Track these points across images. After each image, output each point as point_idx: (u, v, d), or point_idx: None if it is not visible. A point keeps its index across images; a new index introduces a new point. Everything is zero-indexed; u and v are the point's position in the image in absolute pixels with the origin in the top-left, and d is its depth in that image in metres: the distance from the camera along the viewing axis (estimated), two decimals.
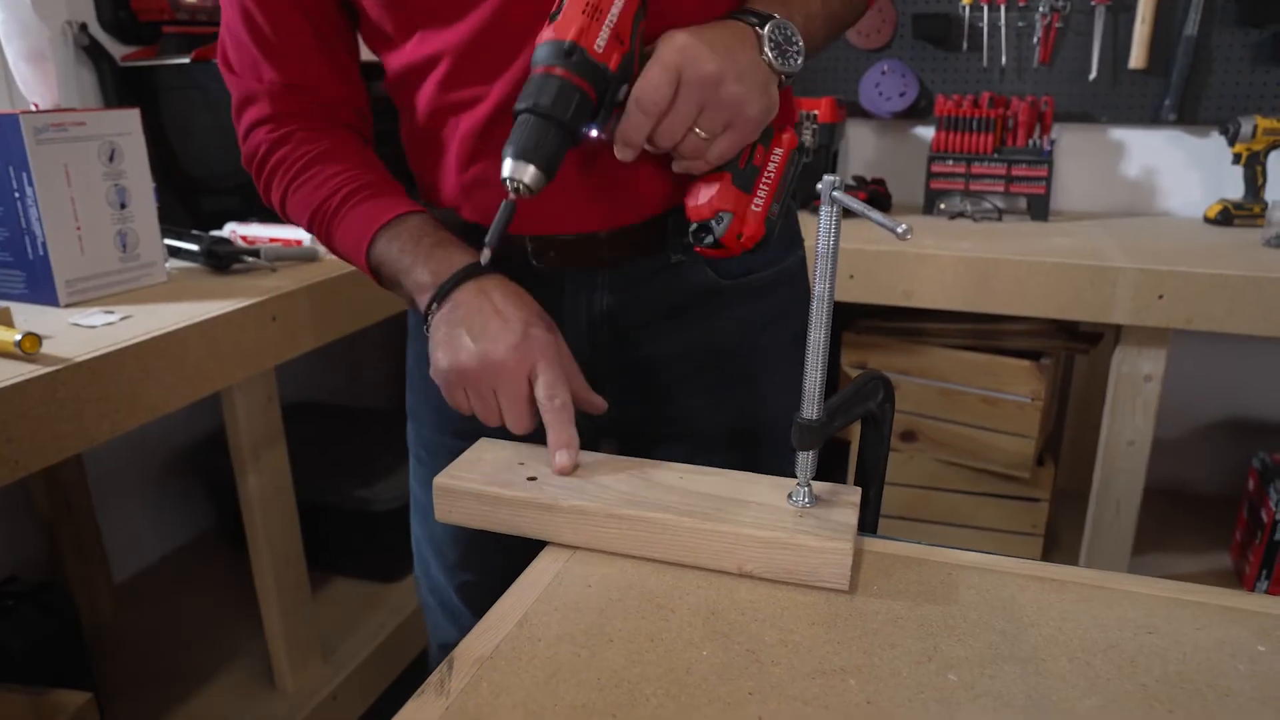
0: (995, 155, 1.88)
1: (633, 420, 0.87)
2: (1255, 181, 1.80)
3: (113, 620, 1.65)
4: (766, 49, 0.66)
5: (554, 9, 0.63)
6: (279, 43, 0.78)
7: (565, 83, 0.61)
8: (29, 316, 1.14)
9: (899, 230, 0.50)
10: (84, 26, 1.57)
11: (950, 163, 1.91)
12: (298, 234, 1.49)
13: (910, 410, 1.79)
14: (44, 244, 1.18)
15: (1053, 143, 1.86)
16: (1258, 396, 2.01)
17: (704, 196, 0.68)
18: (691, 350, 0.85)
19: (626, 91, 0.63)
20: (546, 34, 0.62)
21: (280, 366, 1.32)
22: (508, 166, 0.62)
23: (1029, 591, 0.59)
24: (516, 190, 0.63)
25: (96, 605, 1.64)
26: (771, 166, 0.71)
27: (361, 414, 2.11)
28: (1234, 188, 1.85)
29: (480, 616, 0.56)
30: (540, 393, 0.67)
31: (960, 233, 1.76)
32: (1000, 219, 1.88)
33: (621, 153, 0.66)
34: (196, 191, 1.65)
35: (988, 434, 1.73)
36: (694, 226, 0.70)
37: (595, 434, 0.87)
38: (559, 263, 0.80)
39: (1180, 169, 1.94)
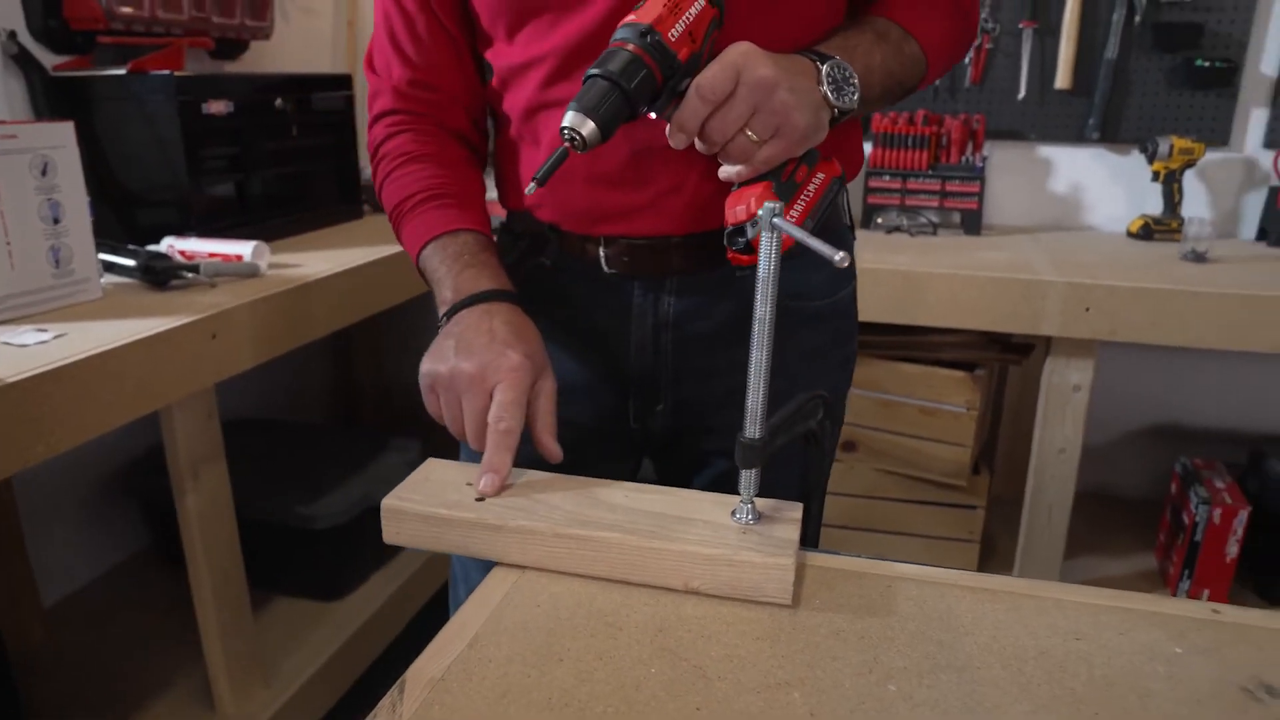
0: (930, 171, 1.93)
1: (682, 429, 0.91)
2: (1172, 198, 1.89)
3: (43, 645, 1.60)
4: (824, 83, 0.71)
5: (639, 1, 0.68)
6: (409, 43, 0.85)
7: (636, 58, 0.65)
8: None
9: (836, 259, 0.52)
10: (12, 34, 1.53)
11: (887, 178, 1.96)
12: (237, 249, 1.47)
13: (850, 421, 1.83)
14: None
15: (984, 159, 1.92)
16: (1180, 404, 2.09)
17: (744, 200, 0.71)
18: (746, 364, 0.88)
19: (688, 84, 0.67)
20: (630, 17, 0.67)
21: (221, 382, 1.30)
22: (569, 118, 0.65)
23: (965, 602, 0.62)
24: (572, 141, 0.66)
25: (24, 630, 1.58)
26: (812, 187, 0.74)
27: (303, 430, 2.09)
28: (1154, 203, 1.94)
29: None
30: (491, 412, 0.69)
31: (897, 246, 1.81)
32: (935, 233, 1.93)
33: (675, 138, 0.69)
34: (132, 205, 1.61)
35: (925, 444, 1.78)
36: (730, 229, 0.72)
37: (641, 442, 0.93)
38: (630, 268, 0.84)
39: (1104, 185, 2.02)
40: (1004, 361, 1.80)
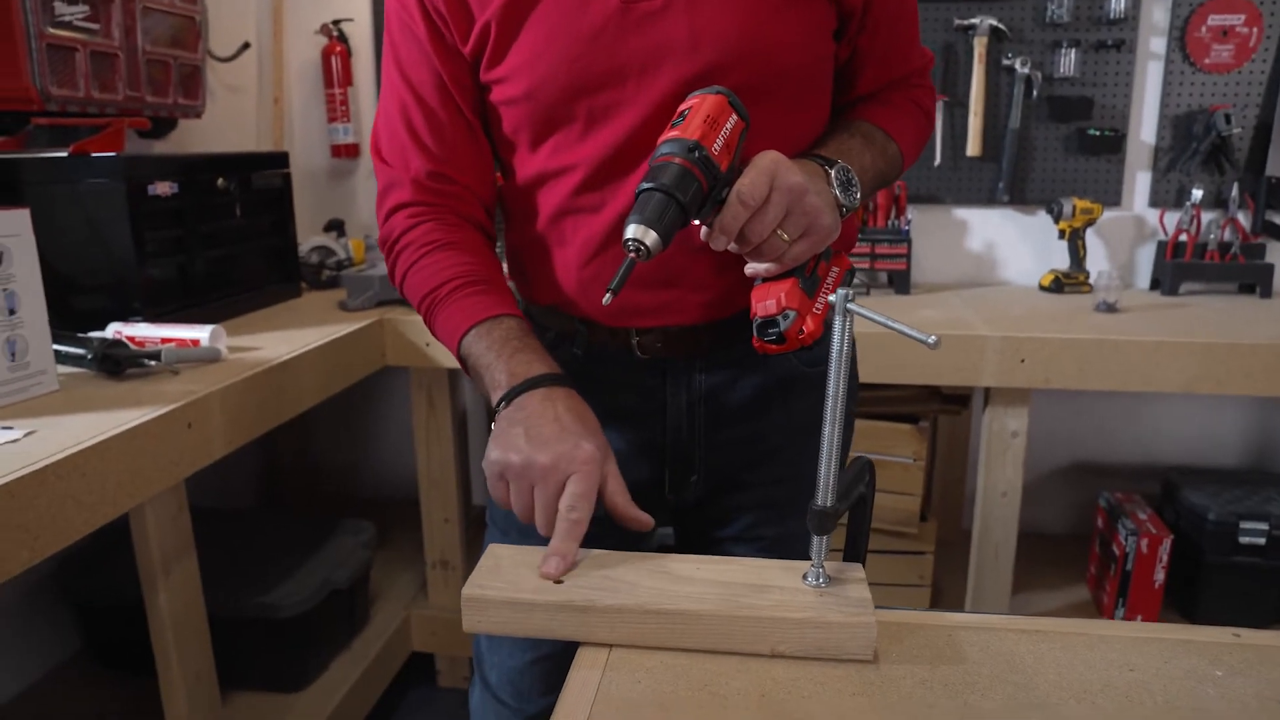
0: (860, 235, 2.05)
1: (708, 499, 0.96)
2: (1078, 254, 2.06)
3: None
4: (834, 185, 0.78)
5: (676, 117, 0.72)
6: (429, 137, 0.87)
7: (688, 171, 0.70)
8: None
9: (929, 341, 0.57)
10: None
11: None
12: (192, 333, 1.44)
13: None
14: None
15: (909, 222, 2.05)
16: (1099, 442, 2.25)
17: (774, 295, 0.77)
18: (773, 429, 0.94)
19: (727, 192, 0.72)
20: (671, 134, 0.72)
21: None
22: (633, 230, 0.69)
23: (1023, 644, 0.66)
24: (637, 251, 0.70)
25: None
26: (830, 279, 0.81)
27: (254, 517, 2.01)
28: (1060, 259, 2.10)
29: (552, 694, 0.58)
30: (563, 501, 0.71)
31: None
32: (868, 293, 2.04)
33: (716, 241, 0.74)
34: (69, 291, 1.55)
35: (876, 495, 1.85)
36: (759, 321, 0.77)
37: (673, 509, 0.98)
38: (663, 353, 0.89)
39: (1015, 243, 2.18)
40: (943, 413, 1.90)
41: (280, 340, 1.55)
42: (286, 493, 2.45)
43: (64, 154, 1.51)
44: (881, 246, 2.04)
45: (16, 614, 1.68)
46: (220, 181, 1.72)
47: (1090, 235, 2.08)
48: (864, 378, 1.71)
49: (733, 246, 0.75)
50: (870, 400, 1.87)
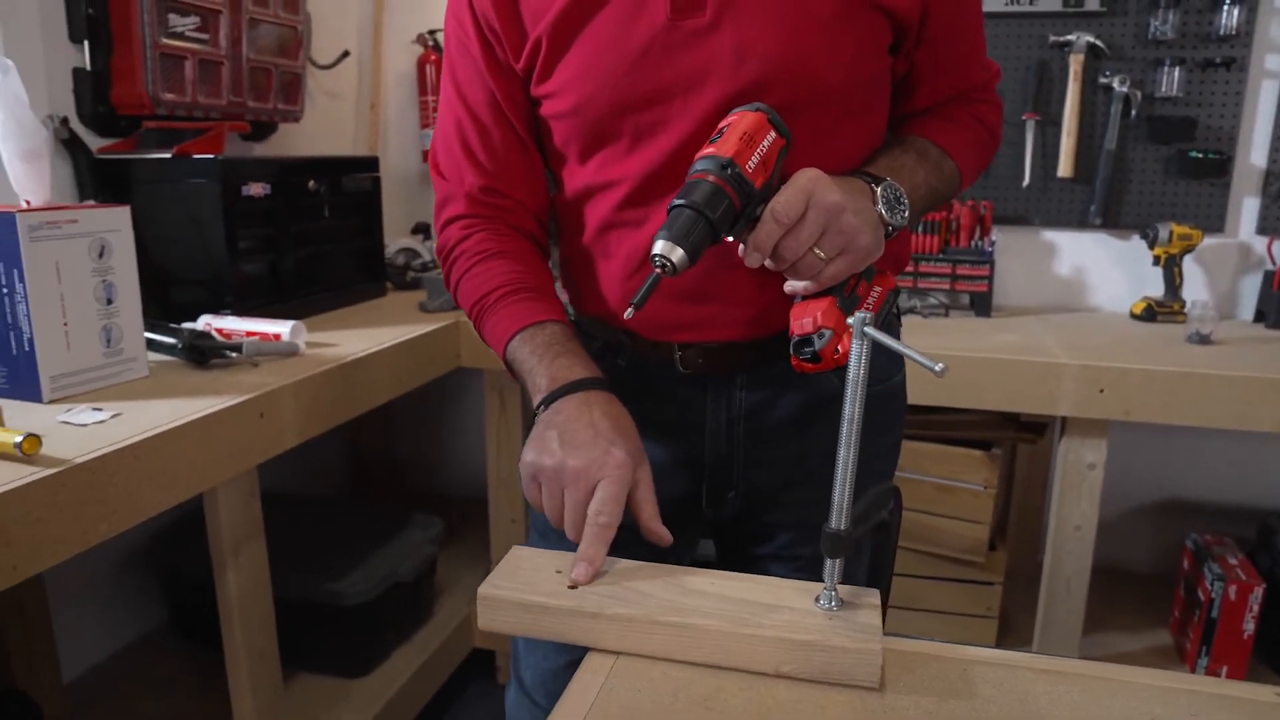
0: (941, 255, 2.00)
1: (747, 515, 0.96)
2: (1174, 281, 1.96)
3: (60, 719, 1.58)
4: (880, 204, 0.77)
5: (715, 134, 0.73)
6: (483, 153, 0.90)
7: (719, 189, 0.70)
8: (13, 413, 1.13)
9: (936, 369, 0.56)
10: (64, 120, 1.59)
11: None
12: (275, 328, 1.51)
13: None
14: (31, 340, 1.18)
15: (993, 244, 1.99)
16: (1189, 480, 2.14)
17: (810, 314, 0.77)
18: (813, 449, 0.93)
19: (762, 209, 0.72)
20: (707, 150, 0.72)
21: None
22: (660, 246, 0.70)
23: (1039, 684, 0.64)
24: (663, 268, 0.70)
25: (44, 704, 1.56)
26: (871, 299, 0.80)
27: (322, 506, 2.09)
28: (1155, 286, 2.01)
29: None
30: (591, 506, 0.72)
31: (911, 327, 1.86)
32: (947, 315, 1.99)
33: (750, 258, 0.74)
34: (168, 283, 1.65)
35: (943, 520, 1.81)
36: (796, 339, 0.77)
37: (711, 523, 0.98)
38: (704, 368, 0.90)
39: (1107, 268, 2.09)
40: (1019, 440, 1.84)
41: (359, 338, 1.61)
42: (368, 485, 2.54)
43: (168, 155, 1.61)
44: (963, 267, 1.99)
45: (111, 582, 1.80)
46: (311, 184, 1.80)
47: (1188, 263, 1.98)
48: (936, 401, 1.68)
49: (769, 264, 0.75)
50: (942, 424, 1.82)
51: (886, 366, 0.95)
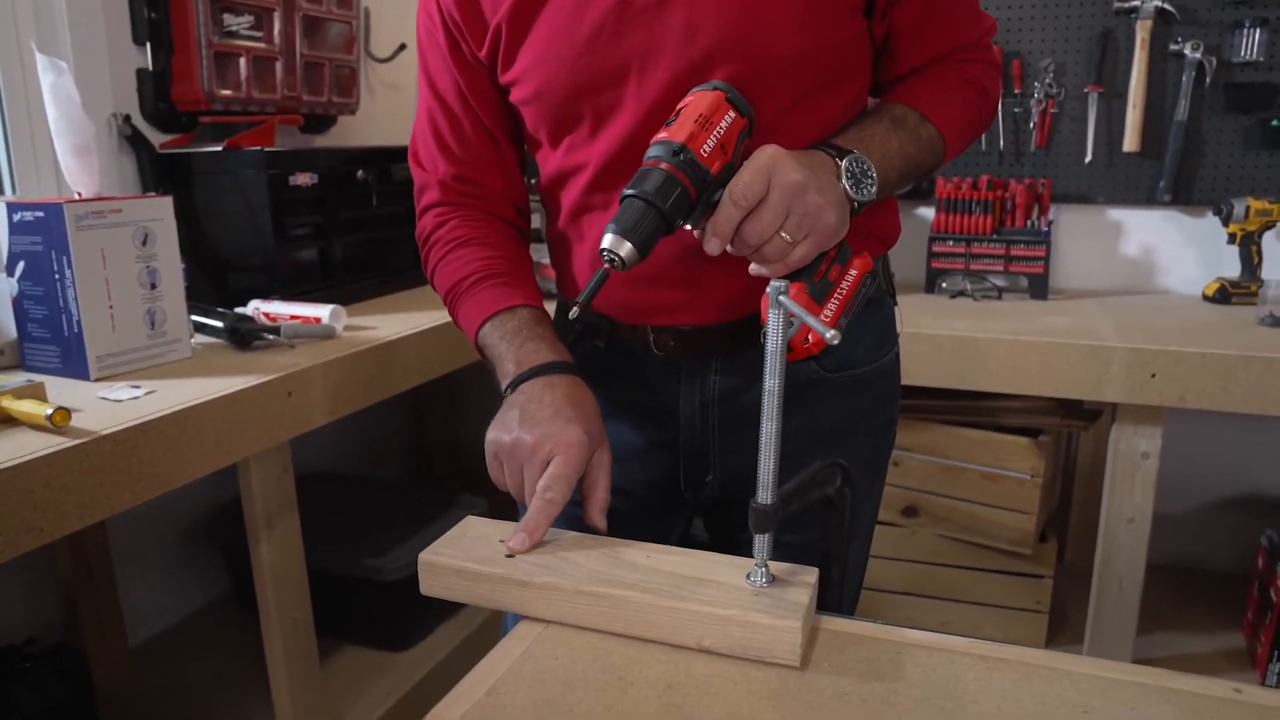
0: (994, 236, 1.93)
1: (730, 500, 0.95)
2: (1251, 260, 1.84)
3: (126, 683, 1.69)
4: (844, 179, 0.74)
5: (671, 116, 0.71)
6: (454, 142, 0.91)
7: (670, 176, 0.68)
8: (61, 390, 1.21)
9: (828, 336, 0.55)
10: (127, 117, 1.68)
11: (950, 243, 1.96)
12: (316, 311, 1.57)
13: (911, 486, 1.81)
14: (79, 322, 1.26)
15: (1050, 223, 1.91)
16: (1266, 473, 2.01)
17: None
18: (793, 435, 0.92)
19: (722, 194, 0.70)
20: (661, 135, 0.70)
21: (299, 437, 1.38)
22: (608, 240, 0.68)
23: (974, 670, 0.62)
24: (611, 262, 0.69)
25: (111, 669, 1.68)
26: (845, 284, 0.76)
27: (375, 484, 2.17)
28: (1232, 265, 1.89)
29: None
30: (541, 480, 0.73)
31: (958, 311, 1.81)
32: (1000, 297, 1.92)
33: (710, 244, 0.72)
34: (224, 269, 1.73)
35: (988, 510, 1.75)
36: (765, 328, 0.75)
37: (693, 506, 0.98)
38: (677, 351, 0.89)
39: (1178, 248, 1.98)
40: (1069, 428, 1.76)
41: (397, 322, 1.66)
42: (429, 468, 2.61)
43: (220, 148, 1.69)
44: (1017, 248, 1.91)
45: (176, 554, 1.91)
46: (360, 173, 1.86)
47: (1268, 240, 1.85)
48: (977, 385, 1.62)
49: (731, 249, 0.72)
50: (989, 410, 1.76)
51: (878, 346, 0.93)
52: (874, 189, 0.76)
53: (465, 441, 2.73)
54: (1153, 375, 1.50)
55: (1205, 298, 1.88)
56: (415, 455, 2.65)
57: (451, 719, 0.57)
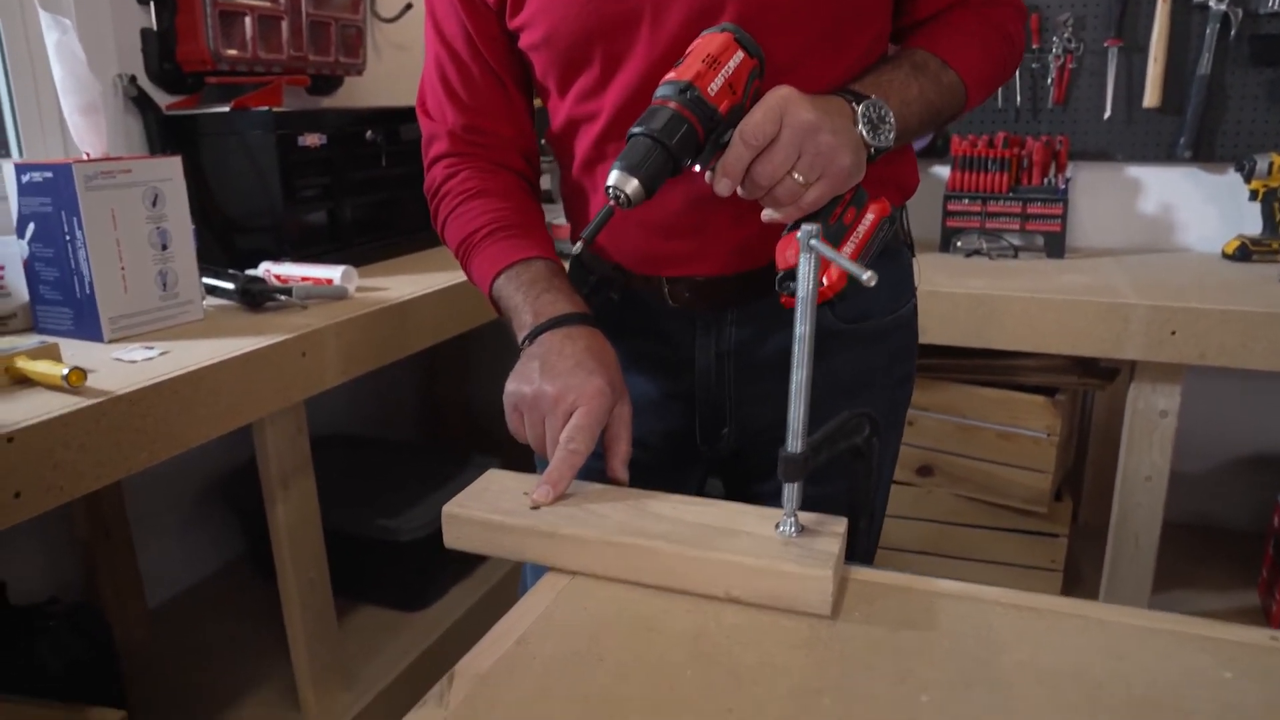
0: (1011, 194, 1.90)
1: (747, 451, 0.94)
2: (1273, 217, 1.81)
3: (145, 643, 1.70)
4: (860, 123, 0.72)
5: (680, 58, 0.70)
6: (462, 89, 0.90)
7: (677, 114, 0.67)
8: (75, 351, 1.20)
9: (864, 278, 0.54)
10: (133, 78, 1.66)
11: (966, 201, 1.94)
12: (328, 273, 1.56)
13: (927, 445, 1.81)
14: (91, 283, 1.25)
15: (1068, 181, 1.88)
16: None
17: (794, 245, 0.72)
18: (812, 385, 0.91)
19: (731, 134, 0.69)
20: (669, 75, 0.69)
21: (315, 399, 1.37)
22: (613, 177, 0.68)
23: (1006, 619, 0.62)
24: (617, 199, 0.68)
25: (130, 628, 1.69)
26: (861, 228, 0.75)
27: (390, 446, 2.17)
28: (1253, 223, 1.86)
29: None
30: (564, 432, 0.72)
31: (974, 270, 1.79)
32: (1016, 256, 1.90)
33: (720, 184, 0.70)
34: (233, 231, 1.72)
35: (1004, 469, 1.74)
36: (780, 274, 0.73)
37: (709, 460, 0.97)
38: (692, 302, 0.88)
39: (1198, 205, 1.95)
40: (1085, 386, 1.75)
41: (409, 283, 1.65)
42: (443, 430, 2.62)
43: (227, 109, 1.67)
44: (1034, 206, 1.89)
45: (192, 516, 1.91)
46: (368, 134, 1.84)
47: None
48: (992, 344, 1.61)
49: (741, 192, 0.71)
50: (1005, 369, 1.75)
51: (895, 296, 0.92)
52: (892, 135, 0.75)
53: (478, 402, 2.73)
54: (1172, 332, 1.48)
55: (1225, 256, 1.86)
56: (428, 417, 2.66)
57: (481, 670, 0.56)
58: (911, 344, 0.97)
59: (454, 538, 0.70)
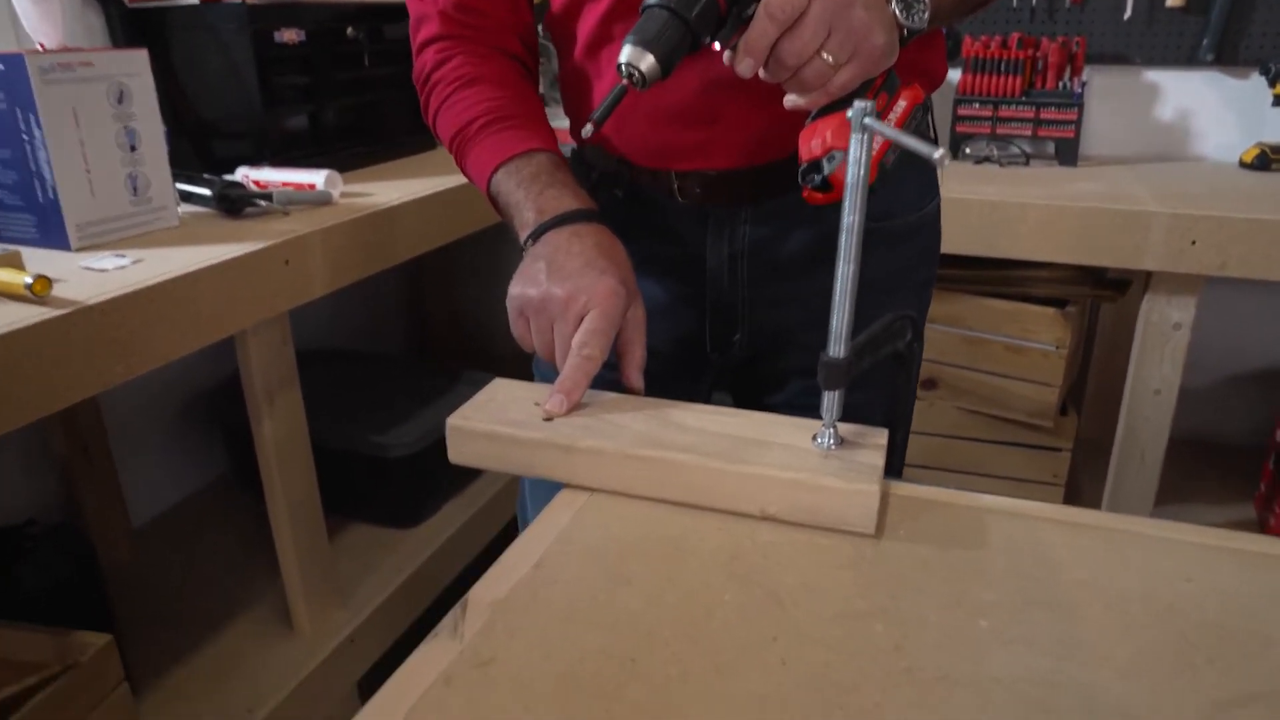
0: (1023, 98, 1.82)
1: (758, 359, 0.89)
2: None
3: (130, 563, 1.67)
4: (893, 2, 0.65)
5: None
6: None
7: None
8: (40, 261, 1.12)
9: (935, 156, 0.47)
10: None
11: (977, 106, 1.86)
12: (310, 177, 1.47)
13: (932, 358, 1.77)
14: (54, 187, 1.16)
15: (1083, 85, 1.80)
16: None
17: (820, 134, 0.66)
18: (824, 289, 0.85)
19: (755, 9, 0.61)
20: None
21: (299, 312, 1.30)
22: (626, 52, 0.61)
23: (1060, 536, 0.57)
24: (630, 77, 0.61)
25: (114, 548, 1.65)
26: (893, 115, 0.68)
27: (377, 360, 2.11)
28: (1272, 130, 1.79)
29: None
30: (576, 336, 0.67)
31: (985, 177, 1.72)
32: (1027, 163, 1.83)
33: (742, 64, 0.63)
34: (208, 135, 1.62)
35: (1011, 382, 1.71)
36: (804, 165, 0.67)
37: (718, 369, 0.92)
38: (703, 199, 0.82)
39: (1217, 111, 1.88)
40: (1098, 298, 1.70)
41: (398, 189, 1.56)
42: (432, 344, 2.56)
43: (197, 1, 1.55)
44: (1048, 111, 1.81)
45: (174, 432, 1.86)
46: (349, 30, 1.72)
47: None
48: (1003, 253, 1.55)
49: (764, 74, 0.64)
50: (1016, 280, 1.69)
51: (920, 193, 0.85)
52: (925, 15, 0.67)
53: (465, 316, 2.67)
54: (1193, 242, 1.43)
55: (1243, 164, 1.80)
56: (416, 330, 2.59)
57: (497, 596, 0.51)
58: (935, 246, 0.91)
59: (459, 452, 0.65)
